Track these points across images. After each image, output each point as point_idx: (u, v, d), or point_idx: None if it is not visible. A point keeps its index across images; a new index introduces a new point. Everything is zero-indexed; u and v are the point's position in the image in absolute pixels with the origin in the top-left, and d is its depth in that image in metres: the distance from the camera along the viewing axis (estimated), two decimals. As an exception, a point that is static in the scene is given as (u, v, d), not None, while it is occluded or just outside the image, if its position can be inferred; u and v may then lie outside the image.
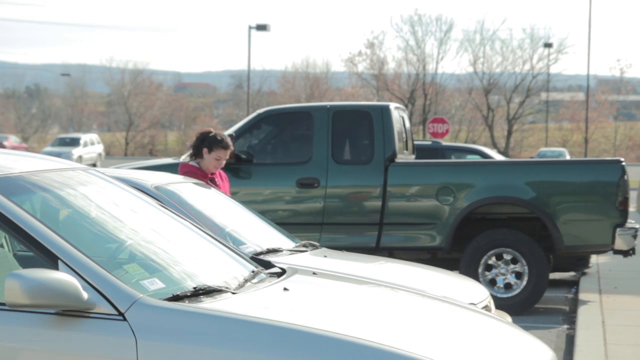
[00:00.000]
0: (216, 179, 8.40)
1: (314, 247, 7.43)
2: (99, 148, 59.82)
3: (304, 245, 7.37)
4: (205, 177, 8.22)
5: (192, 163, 8.34)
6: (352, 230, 11.50)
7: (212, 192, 7.81)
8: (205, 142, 8.28)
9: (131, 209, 4.89)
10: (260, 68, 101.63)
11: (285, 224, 10.25)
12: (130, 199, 4.98)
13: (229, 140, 8.35)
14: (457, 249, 11.43)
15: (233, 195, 9.66)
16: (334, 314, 4.24)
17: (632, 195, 27.65)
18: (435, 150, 17.14)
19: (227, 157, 8.33)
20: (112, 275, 4.00)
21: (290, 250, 7.12)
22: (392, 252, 11.34)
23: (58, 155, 40.35)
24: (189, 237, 4.99)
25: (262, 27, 55.07)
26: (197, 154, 8.31)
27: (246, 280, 4.59)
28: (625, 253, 11.44)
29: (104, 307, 3.90)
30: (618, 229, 11.12)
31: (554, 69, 71.46)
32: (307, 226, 11.45)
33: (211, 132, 8.37)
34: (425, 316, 4.58)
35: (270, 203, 11.65)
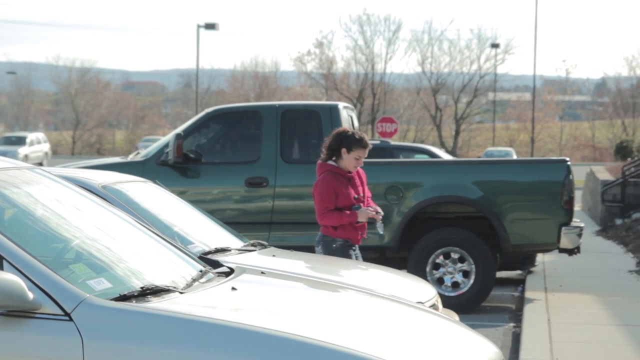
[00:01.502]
0: (355, 179, 8.26)
1: (263, 246, 7.43)
2: (46, 147, 59.19)
3: (252, 245, 7.36)
4: (343, 177, 8.14)
5: (332, 162, 8.17)
6: (300, 230, 11.50)
7: (161, 191, 7.76)
8: (344, 142, 8.10)
9: (78, 209, 4.85)
10: (209, 67, 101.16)
11: (234, 223, 10.23)
12: (77, 199, 4.94)
13: (367, 139, 8.21)
14: (405, 248, 11.48)
15: (181, 194, 9.62)
16: (283, 314, 4.24)
17: (577, 194, 28.01)
18: (384, 150, 17.19)
19: (366, 155, 8.17)
20: (58, 275, 3.96)
21: (238, 250, 7.11)
22: (341, 251, 11.35)
23: (4, 154, 39.89)
24: (137, 236, 4.96)
25: (210, 26, 54.86)
26: (334, 154, 8.14)
27: (194, 280, 4.57)
28: (571, 252, 11.58)
29: (50, 308, 3.86)
30: (563, 228, 11.24)
31: (501, 69, 72.10)
32: (256, 225, 11.44)
33: (348, 131, 8.18)
34: (373, 315, 4.60)
35: (219, 202, 11.62)
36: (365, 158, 13.68)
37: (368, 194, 8.46)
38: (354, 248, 8.31)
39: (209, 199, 11.59)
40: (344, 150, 8.10)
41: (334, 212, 8.09)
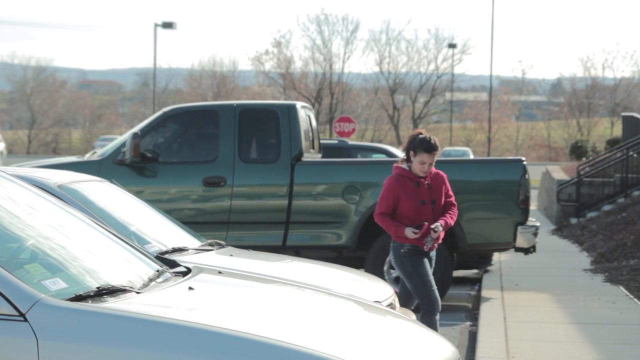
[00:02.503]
0: (427, 182, 7.92)
1: (220, 246, 7.41)
2: (0, 146, 58.57)
3: (210, 244, 7.34)
4: (411, 181, 7.87)
5: (404, 166, 7.94)
6: (258, 229, 11.50)
7: (118, 191, 7.72)
8: (412, 145, 7.86)
9: (33, 208, 4.81)
10: (166, 66, 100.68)
11: (192, 222, 10.20)
12: (32, 198, 4.90)
13: (436, 143, 7.86)
14: (362, 247, 11.51)
15: (138, 194, 9.57)
16: (240, 313, 4.23)
17: (533, 194, 28.23)
18: (342, 149, 17.23)
19: (433, 161, 7.84)
20: (12, 276, 3.92)
21: (196, 249, 7.08)
22: (299, 251, 11.38)
23: (-43, 153, 39.40)
24: (93, 236, 4.93)
25: (168, 25, 54.61)
26: (408, 157, 7.91)
27: (151, 280, 4.55)
28: (527, 251, 11.68)
29: (5, 308, 3.82)
30: (519, 227, 11.33)
31: (458, 70, 72.54)
32: (214, 225, 11.41)
33: (421, 134, 7.90)
34: (331, 315, 4.61)
35: (177, 202, 11.58)
36: (323, 157, 13.72)
37: (449, 198, 8.06)
38: (427, 255, 8.02)
39: (166, 198, 11.54)
40: (412, 153, 7.88)
41: (385, 218, 7.90)
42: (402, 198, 7.82)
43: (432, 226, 7.83)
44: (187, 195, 11.66)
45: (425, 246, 7.86)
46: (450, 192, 8.09)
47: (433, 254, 8.15)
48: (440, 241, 8.02)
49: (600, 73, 75.73)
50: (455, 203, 8.07)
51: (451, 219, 8.01)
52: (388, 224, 7.88)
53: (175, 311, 4.05)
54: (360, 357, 3.92)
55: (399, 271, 8.07)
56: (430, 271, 8.03)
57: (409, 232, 7.77)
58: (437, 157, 7.95)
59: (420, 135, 7.85)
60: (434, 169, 7.98)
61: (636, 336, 9.04)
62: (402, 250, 7.95)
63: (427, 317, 7.93)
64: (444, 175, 8.07)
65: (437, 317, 8.00)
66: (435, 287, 8.03)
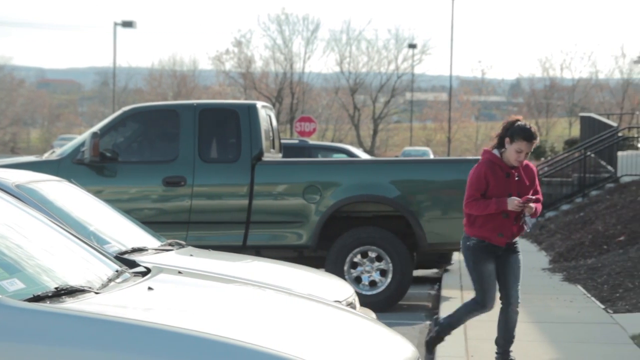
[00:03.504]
0: (516, 174, 7.52)
1: (180, 245, 7.39)
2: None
3: (169, 244, 7.32)
4: (501, 170, 7.47)
5: (495, 152, 7.52)
6: (219, 229, 11.47)
7: (77, 191, 7.67)
8: (509, 131, 7.42)
9: (-10, 208, 4.77)
10: (126, 65, 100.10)
11: (152, 222, 10.15)
12: (-10, 198, 4.85)
13: (535, 132, 7.46)
14: (323, 247, 11.52)
15: (97, 194, 9.51)
16: (200, 314, 4.22)
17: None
18: (302, 149, 17.24)
19: (530, 150, 7.45)
20: (-30, 276, 3.89)
21: (155, 249, 7.06)
22: (259, 251, 11.36)
23: None
24: (51, 236, 4.90)
25: (128, 24, 54.32)
26: (500, 143, 7.49)
27: (110, 280, 4.53)
28: (486, 250, 11.73)
29: (-38, 309, 3.79)
30: (479, 227, 11.38)
31: (418, 70, 72.86)
32: (174, 225, 11.37)
33: (518, 120, 7.52)
34: (291, 314, 4.61)
35: (136, 202, 11.52)
36: (284, 157, 13.71)
37: (537, 195, 7.62)
38: (495, 251, 7.62)
39: (126, 198, 11.49)
40: (507, 140, 7.44)
41: (479, 201, 7.48)
42: (490, 186, 7.48)
43: (523, 199, 7.42)
44: (147, 195, 11.61)
45: (526, 226, 7.55)
46: (538, 188, 7.70)
47: (515, 255, 7.71)
48: (507, 237, 7.57)
49: (558, 74, 76.45)
50: (541, 199, 7.69)
51: (539, 211, 7.61)
52: (485, 205, 7.44)
53: (134, 311, 4.03)
54: (320, 357, 3.93)
55: (465, 262, 7.86)
56: (491, 271, 7.66)
57: (512, 202, 7.37)
58: (532, 148, 7.52)
59: (519, 122, 7.46)
60: (527, 162, 7.63)
61: (593, 334, 9.14)
62: (468, 244, 7.67)
63: (473, 307, 7.92)
64: (535, 170, 7.72)
65: (479, 314, 7.96)
66: (493, 289, 7.74)
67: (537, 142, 7.47)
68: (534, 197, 7.46)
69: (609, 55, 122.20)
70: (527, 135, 7.38)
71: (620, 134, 23.46)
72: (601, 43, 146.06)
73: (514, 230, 7.62)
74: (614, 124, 25.73)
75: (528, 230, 7.63)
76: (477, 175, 7.48)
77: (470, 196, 7.50)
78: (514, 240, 7.71)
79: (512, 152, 7.41)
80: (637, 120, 41.62)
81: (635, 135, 29.55)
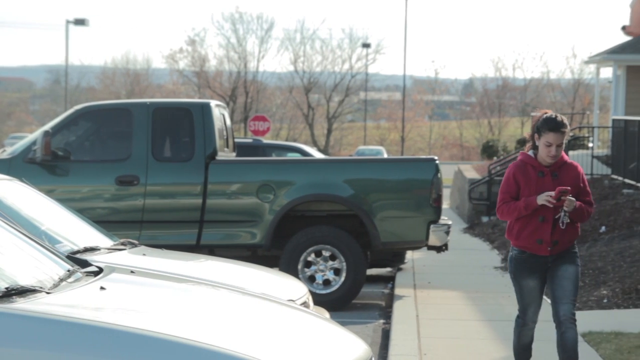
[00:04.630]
0: (553, 173, 6.71)
1: (133, 245, 7.35)
2: None
3: (122, 244, 7.27)
4: (534, 169, 6.70)
5: (530, 153, 6.77)
6: (172, 228, 11.43)
7: (28, 190, 7.59)
8: (537, 126, 6.70)
9: (-60, 208, 4.71)
10: (78, 63, 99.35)
11: (104, 222, 10.08)
12: (-61, 197, 4.80)
13: (563, 121, 6.68)
14: (277, 246, 11.52)
15: (49, 193, 9.43)
16: (153, 313, 4.20)
17: (446, 192, 28.57)
18: (256, 148, 17.21)
19: (561, 142, 6.63)
20: None
21: (108, 249, 7.01)
22: (213, 250, 11.34)
23: None
24: (2, 236, 4.85)
25: (80, 22, 53.88)
26: (534, 144, 6.76)
27: (61, 280, 4.50)
28: (439, 249, 11.81)
29: None
30: (432, 226, 11.46)
31: (372, 69, 73.31)
32: (127, 224, 11.30)
33: (546, 113, 6.75)
34: (245, 314, 4.61)
35: (89, 201, 11.44)
36: (238, 156, 13.67)
37: (585, 197, 6.77)
38: (540, 262, 6.74)
39: (78, 197, 11.40)
40: (536, 137, 6.71)
41: (509, 204, 6.71)
42: (522, 188, 6.70)
43: (562, 189, 6.54)
44: (100, 194, 11.53)
45: (562, 224, 6.61)
46: (587, 189, 6.83)
47: (567, 263, 6.77)
48: (550, 244, 6.67)
49: (510, 74, 77.09)
50: (592, 203, 6.83)
51: (585, 210, 6.70)
52: (513, 207, 6.67)
53: (85, 311, 4.01)
54: (273, 356, 3.93)
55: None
56: (532, 287, 6.84)
57: (542, 196, 6.57)
58: (564, 139, 6.67)
59: (546, 115, 6.71)
60: (567, 158, 6.81)
61: (544, 332, 9.21)
62: (510, 254, 6.94)
63: (516, 324, 7.10)
64: (579, 169, 6.83)
65: (522, 330, 7.02)
66: (534, 305, 6.92)
67: (568, 132, 6.68)
68: (569, 188, 6.54)
69: (560, 56, 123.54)
70: (552, 125, 6.61)
71: (571, 134, 23.68)
72: (552, 43, 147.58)
73: (557, 235, 6.68)
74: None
75: (563, 227, 6.64)
76: (506, 177, 6.78)
77: (500, 201, 6.78)
78: (568, 248, 6.78)
79: (542, 148, 6.65)
80: (588, 120, 42.09)
81: (586, 135, 29.87)
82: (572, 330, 6.67)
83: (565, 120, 6.70)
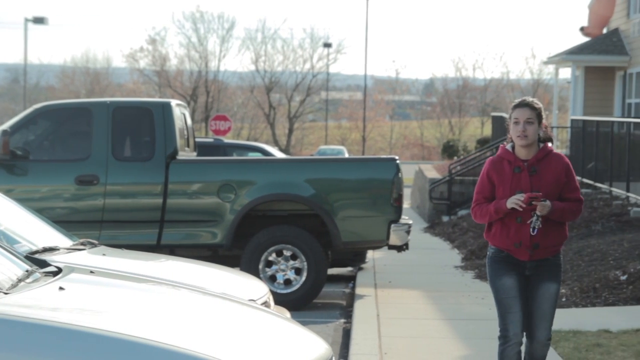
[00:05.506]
0: (532, 167, 6.06)
1: (93, 245, 7.30)
2: None
3: (82, 244, 7.23)
4: (510, 164, 6.09)
5: (508, 146, 6.17)
6: (132, 228, 11.37)
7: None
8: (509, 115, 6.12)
9: None
10: (37, 62, 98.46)
11: (64, 222, 10.01)
12: None
13: (533, 102, 6.13)
14: (238, 246, 11.51)
15: (7, 192, 9.35)
16: (113, 313, 4.19)
17: (406, 192, 28.68)
18: (217, 148, 17.19)
19: (530, 118, 6.04)
20: None
21: (67, 249, 6.97)
22: (173, 250, 11.30)
23: None
24: (-41, 236, 4.81)
25: (39, 20, 53.46)
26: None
27: (20, 280, 4.46)
28: (399, 248, 11.86)
29: None
30: (393, 225, 11.50)
31: (333, 69, 73.48)
32: (87, 224, 11.24)
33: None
34: (205, 314, 4.60)
35: (48, 201, 11.36)
36: (199, 156, 13.62)
37: (571, 193, 6.13)
38: (519, 265, 6.10)
39: (37, 197, 11.31)
40: (507, 123, 6.15)
41: (481, 206, 6.12)
42: (496, 186, 6.10)
43: (531, 195, 5.94)
44: (59, 194, 11.45)
45: (532, 230, 6.00)
46: (575, 184, 6.17)
47: (550, 275, 6.14)
48: (528, 245, 6.04)
49: (471, 74, 77.56)
50: (580, 200, 6.19)
51: (567, 210, 6.05)
52: (485, 211, 6.08)
53: (43, 312, 3.98)
54: (233, 356, 3.93)
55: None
56: (511, 285, 6.10)
57: (511, 201, 5.95)
58: (534, 116, 6.05)
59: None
60: (551, 149, 6.16)
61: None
62: (488, 254, 6.30)
63: (499, 343, 6.19)
64: (564, 161, 6.16)
65: (504, 350, 6.13)
66: (514, 310, 6.09)
67: (539, 109, 6.09)
68: (539, 193, 5.95)
69: (519, 56, 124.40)
70: (517, 102, 6.12)
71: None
72: (512, 44, 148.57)
73: (537, 238, 6.06)
74: (525, 124, 26.14)
75: (533, 234, 6.03)
76: (480, 175, 6.20)
77: (473, 202, 6.23)
78: (551, 257, 6.16)
79: (512, 129, 6.07)
80: (547, 120, 42.36)
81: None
82: (545, 350, 6.21)
83: (537, 101, 6.17)
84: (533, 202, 5.96)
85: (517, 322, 6.10)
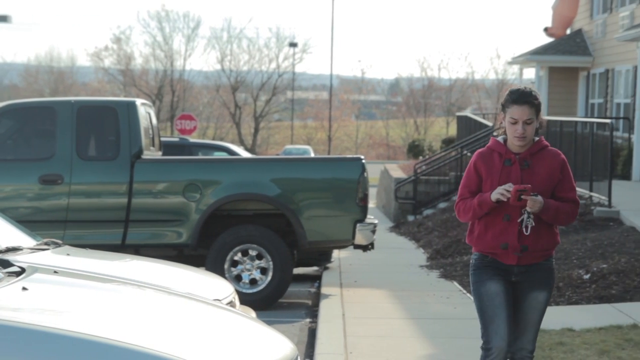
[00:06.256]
0: (524, 161, 5.54)
1: (57, 245, 7.26)
2: None
3: (46, 244, 7.19)
4: (500, 157, 5.57)
5: (499, 138, 5.67)
6: (97, 228, 11.32)
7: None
8: (501, 104, 5.61)
9: None
10: (0, 60, 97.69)
11: (28, 221, 9.95)
12: None
13: (532, 92, 5.53)
14: (203, 245, 11.48)
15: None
16: (77, 314, 4.16)
17: (372, 191, 28.75)
18: (183, 147, 17.14)
19: (529, 118, 5.47)
20: None
21: (31, 249, 6.92)
22: (138, 250, 11.26)
23: None
24: None
25: (2, 19, 53.02)
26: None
27: (-17, 281, 4.43)
28: (365, 248, 11.88)
29: None
30: (358, 225, 11.53)
31: (299, 68, 73.61)
32: (51, 224, 11.17)
33: (513, 86, 5.66)
34: (170, 313, 4.59)
35: (11, 200, 11.27)
36: (164, 155, 13.56)
37: (566, 193, 5.58)
38: (506, 270, 5.55)
39: (0, 196, 11.23)
40: (502, 116, 5.63)
41: (465, 201, 5.59)
42: (484, 180, 5.58)
43: (519, 187, 5.36)
44: (23, 193, 11.37)
45: (525, 229, 5.46)
46: (571, 184, 5.61)
47: (541, 282, 5.59)
48: (516, 247, 5.49)
49: (436, 74, 77.86)
50: (576, 200, 5.62)
51: (562, 210, 5.51)
52: (469, 206, 5.55)
53: (5, 312, 3.95)
54: (198, 356, 3.92)
55: None
56: (495, 293, 5.54)
57: (497, 191, 5.43)
58: (533, 115, 5.50)
59: (512, 88, 5.62)
60: (547, 144, 5.64)
61: (468, 330, 9.33)
62: (471, 261, 5.76)
63: (482, 354, 5.62)
64: (560, 157, 5.63)
65: None
66: (499, 319, 5.52)
67: (539, 105, 5.54)
68: (528, 186, 5.39)
69: (484, 56, 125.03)
70: (515, 96, 5.49)
71: (495, 133, 24.01)
72: (477, 44, 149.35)
73: (527, 239, 5.50)
74: (489, 124, 26.34)
75: (526, 233, 5.48)
76: (467, 169, 5.66)
77: (458, 197, 5.68)
78: (543, 261, 5.60)
79: (508, 127, 5.54)
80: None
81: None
82: None
83: (535, 92, 5.56)
84: (522, 197, 5.37)
85: (502, 333, 5.52)
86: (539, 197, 5.42)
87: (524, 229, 5.48)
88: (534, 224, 5.49)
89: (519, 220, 5.48)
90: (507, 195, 5.38)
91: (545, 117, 5.58)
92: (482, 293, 5.59)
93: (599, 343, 8.36)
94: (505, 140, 5.63)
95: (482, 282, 5.60)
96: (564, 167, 5.61)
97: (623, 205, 15.12)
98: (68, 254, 7.00)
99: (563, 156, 5.66)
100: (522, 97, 5.48)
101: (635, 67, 22.93)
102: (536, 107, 5.53)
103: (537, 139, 5.66)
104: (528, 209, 5.43)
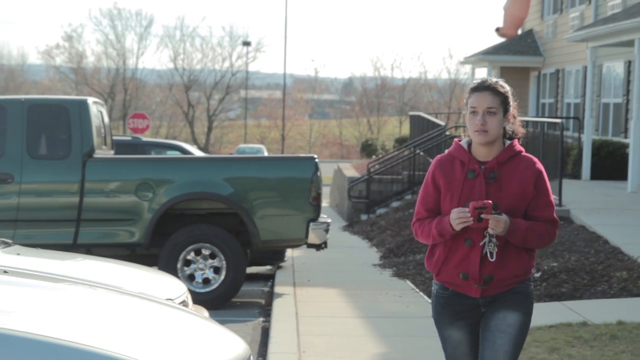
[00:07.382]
0: (491, 173, 4.60)
1: (7, 244, 7.19)
2: None
3: (-5, 243, 7.11)
4: (463, 166, 4.65)
5: (463, 142, 4.77)
6: (48, 227, 11.22)
7: None
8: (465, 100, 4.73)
9: None
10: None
11: (-24, 221, 9.84)
12: None
13: (494, 83, 4.66)
14: (156, 244, 11.43)
15: None
16: (27, 314, 4.13)
17: (325, 190, 28.79)
18: (135, 146, 17.05)
19: (491, 107, 4.59)
20: None
21: (-20, 249, 6.84)
22: (90, 249, 11.19)
23: None
24: None
25: (-48, 15, 52.37)
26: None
27: None
28: (318, 247, 11.90)
29: None
30: (311, 224, 11.54)
31: (252, 67, 73.59)
32: (0, 223, 11.05)
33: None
34: (122, 313, 4.57)
35: (-40, 200, 11.13)
36: (116, 154, 13.44)
37: (542, 212, 4.65)
38: (468, 305, 4.67)
39: (-51, 196, 11.09)
40: (465, 110, 4.74)
41: (423, 222, 4.72)
42: (442, 194, 4.69)
43: (476, 205, 4.44)
44: (-28, 192, 11.23)
45: (490, 256, 4.55)
46: (548, 199, 4.68)
47: (509, 302, 4.64)
48: (478, 280, 4.59)
49: (389, 73, 78.16)
50: (554, 220, 4.68)
51: (532, 231, 4.58)
52: (427, 231, 4.68)
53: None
54: (150, 356, 3.91)
55: None
56: (457, 342, 4.74)
57: (455, 217, 4.50)
58: (497, 105, 4.61)
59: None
60: (520, 149, 4.71)
61: (421, 328, 9.39)
62: (432, 290, 4.89)
63: None
64: (536, 167, 4.71)
65: None
66: None
67: (507, 95, 4.66)
68: (489, 202, 4.45)
69: (437, 56, 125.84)
70: (475, 85, 4.68)
71: (447, 133, 24.17)
72: (430, 44, 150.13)
73: (490, 268, 4.58)
74: (442, 123, 26.50)
75: (492, 260, 4.55)
76: (425, 180, 4.78)
77: (415, 214, 4.81)
78: (513, 288, 4.66)
79: (468, 121, 4.66)
80: (464, 120, 42.91)
81: (462, 134, 30.48)
82: None
83: (503, 82, 4.72)
84: (482, 216, 4.44)
85: None
86: (503, 216, 4.50)
87: (489, 256, 4.56)
88: (496, 249, 4.56)
89: (481, 244, 4.57)
90: (470, 219, 4.47)
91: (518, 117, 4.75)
92: (446, 337, 4.79)
93: (550, 341, 8.45)
94: (470, 145, 4.72)
95: (443, 326, 4.77)
96: (539, 179, 4.68)
97: (573, 205, 15.29)
98: (18, 254, 6.93)
99: (540, 165, 4.73)
100: (483, 83, 4.66)
101: (585, 68, 23.20)
102: (501, 96, 4.64)
103: (508, 142, 4.73)
104: (490, 230, 4.50)
